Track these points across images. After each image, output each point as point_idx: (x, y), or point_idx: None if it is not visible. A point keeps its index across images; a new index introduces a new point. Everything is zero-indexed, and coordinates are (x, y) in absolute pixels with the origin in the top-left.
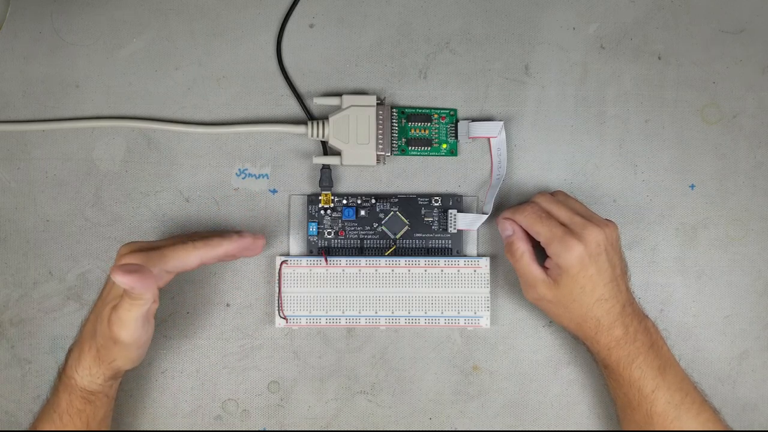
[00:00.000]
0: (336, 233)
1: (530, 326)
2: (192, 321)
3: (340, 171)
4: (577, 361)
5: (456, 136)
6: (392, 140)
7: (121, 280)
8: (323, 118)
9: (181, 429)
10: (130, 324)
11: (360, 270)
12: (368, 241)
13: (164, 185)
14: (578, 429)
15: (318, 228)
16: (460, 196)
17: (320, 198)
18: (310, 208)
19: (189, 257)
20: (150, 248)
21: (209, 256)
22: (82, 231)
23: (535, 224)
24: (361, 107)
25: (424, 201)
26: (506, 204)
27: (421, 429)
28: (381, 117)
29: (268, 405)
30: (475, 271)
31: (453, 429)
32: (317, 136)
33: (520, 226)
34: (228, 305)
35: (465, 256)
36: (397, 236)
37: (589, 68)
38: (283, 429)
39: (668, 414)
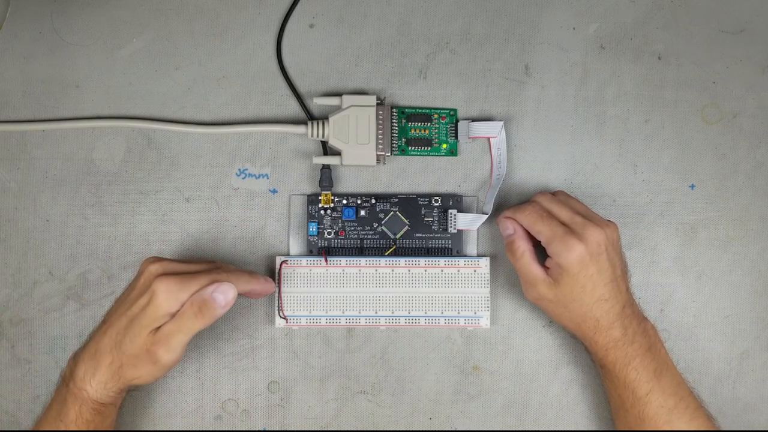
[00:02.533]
0: (336, 233)
1: (530, 326)
2: None
3: (340, 171)
4: (577, 361)
5: (456, 136)
6: (392, 140)
7: (225, 306)
8: (323, 118)
9: (181, 429)
10: (178, 348)
11: (360, 270)
12: (368, 241)
13: (164, 185)
14: (578, 429)
15: (318, 228)
16: (460, 196)
17: (320, 198)
18: (310, 208)
19: (221, 290)
20: (183, 272)
21: (240, 291)
22: (82, 231)
23: (536, 223)
24: (361, 107)
25: (424, 201)
26: (506, 204)
27: (421, 429)
28: (381, 117)
29: (268, 405)
30: (475, 271)
31: (453, 429)
32: (317, 136)
33: (521, 226)
34: None
35: (465, 256)
36: (397, 236)
37: (589, 68)
38: (283, 429)
39: (660, 418)
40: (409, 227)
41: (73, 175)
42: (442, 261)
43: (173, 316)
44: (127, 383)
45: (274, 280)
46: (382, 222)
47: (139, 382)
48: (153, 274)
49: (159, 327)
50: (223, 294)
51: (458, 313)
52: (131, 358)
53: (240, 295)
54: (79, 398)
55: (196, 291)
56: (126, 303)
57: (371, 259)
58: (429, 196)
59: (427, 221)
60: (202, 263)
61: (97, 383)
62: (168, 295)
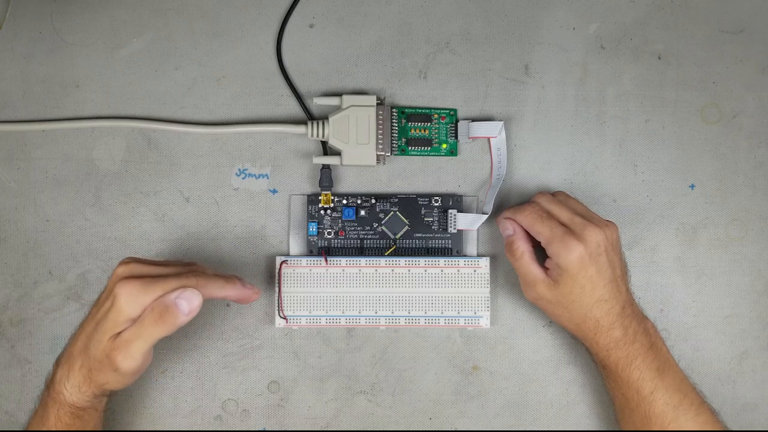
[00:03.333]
0: (336, 233)
1: (530, 326)
2: (192, 321)
3: (340, 171)
4: (577, 361)
5: (456, 136)
6: (392, 140)
7: (189, 313)
8: (323, 118)
9: (181, 429)
10: (138, 356)
11: (360, 270)
12: (368, 241)
13: (164, 185)
14: (578, 429)
15: (318, 228)
16: (460, 196)
17: (320, 198)
18: (310, 208)
19: (187, 295)
20: (149, 275)
21: (208, 296)
22: (82, 231)
23: (536, 224)
24: (361, 107)
25: (424, 201)
26: (506, 204)
27: (421, 429)
28: (381, 117)
29: (268, 405)
30: (475, 271)
31: (453, 429)
32: (317, 136)
33: (521, 226)
34: (228, 305)
35: (465, 256)
36: (397, 236)
37: (589, 68)
38: (283, 429)
39: (666, 415)
40: (409, 227)
41: (73, 175)
42: (442, 261)
43: (135, 321)
44: (100, 387)
45: (274, 280)
46: (382, 222)
47: (110, 387)
48: (118, 277)
49: (120, 332)
50: (187, 301)
51: (458, 313)
52: (96, 363)
53: (225, 299)
54: (57, 402)
55: (160, 295)
56: (96, 306)
57: (371, 259)
58: (429, 196)
59: (427, 221)
60: (177, 265)
61: (71, 386)
62: (128, 299)
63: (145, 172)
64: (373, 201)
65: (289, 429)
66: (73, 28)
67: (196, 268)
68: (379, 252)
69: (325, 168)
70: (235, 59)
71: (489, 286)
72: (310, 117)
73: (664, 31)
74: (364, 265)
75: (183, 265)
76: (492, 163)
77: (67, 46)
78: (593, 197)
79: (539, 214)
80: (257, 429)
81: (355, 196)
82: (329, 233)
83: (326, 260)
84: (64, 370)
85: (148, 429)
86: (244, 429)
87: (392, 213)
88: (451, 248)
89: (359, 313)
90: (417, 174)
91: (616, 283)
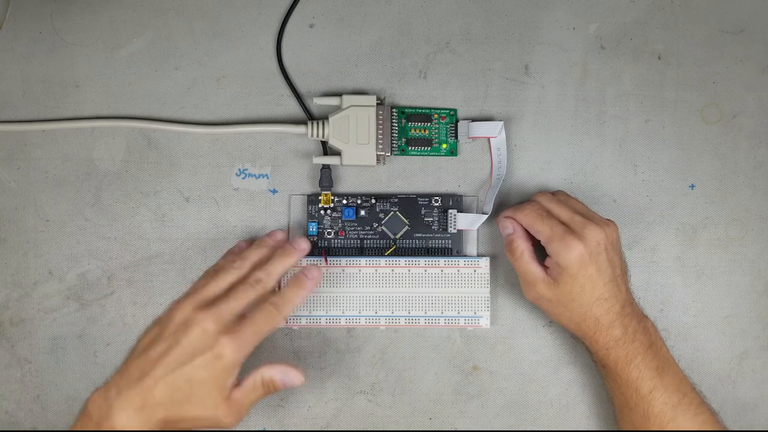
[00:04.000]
0: (336, 233)
1: (530, 326)
2: None
3: (340, 171)
4: (577, 361)
5: (456, 136)
6: (392, 140)
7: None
8: (323, 118)
9: None
10: (246, 411)
11: (360, 270)
12: (368, 241)
13: (164, 185)
14: (578, 429)
15: (318, 228)
16: (460, 196)
17: (320, 198)
18: (310, 208)
19: (278, 323)
20: (232, 317)
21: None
22: (82, 231)
23: (536, 223)
24: (361, 107)
25: (424, 201)
26: (506, 204)
27: (421, 429)
28: (381, 117)
29: (268, 405)
30: (475, 271)
31: (453, 429)
32: (317, 136)
33: (521, 225)
34: None
35: (465, 256)
36: (397, 236)
37: (589, 68)
38: (283, 429)
39: (665, 415)
40: (409, 227)
41: (73, 175)
42: (442, 261)
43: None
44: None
45: None
46: (382, 222)
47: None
48: (211, 334)
49: (230, 388)
50: (289, 379)
51: (458, 313)
52: (197, 421)
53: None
54: None
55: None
56: (174, 354)
57: (371, 259)
58: (429, 196)
59: (427, 221)
60: (244, 291)
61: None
62: (236, 356)
63: (145, 172)
64: (373, 201)
65: (289, 429)
66: (73, 28)
67: (260, 282)
68: (379, 252)
69: (325, 168)
70: (235, 59)
71: (489, 286)
72: (310, 117)
73: (664, 31)
74: (364, 265)
75: (245, 283)
76: (492, 163)
77: (67, 46)
78: (593, 197)
79: (539, 212)
80: (257, 429)
81: (355, 196)
82: (329, 233)
83: (326, 260)
84: (131, 417)
85: (147, 429)
86: (244, 429)
87: (392, 213)
88: (451, 248)
89: (359, 313)
90: (417, 174)
91: (616, 282)
